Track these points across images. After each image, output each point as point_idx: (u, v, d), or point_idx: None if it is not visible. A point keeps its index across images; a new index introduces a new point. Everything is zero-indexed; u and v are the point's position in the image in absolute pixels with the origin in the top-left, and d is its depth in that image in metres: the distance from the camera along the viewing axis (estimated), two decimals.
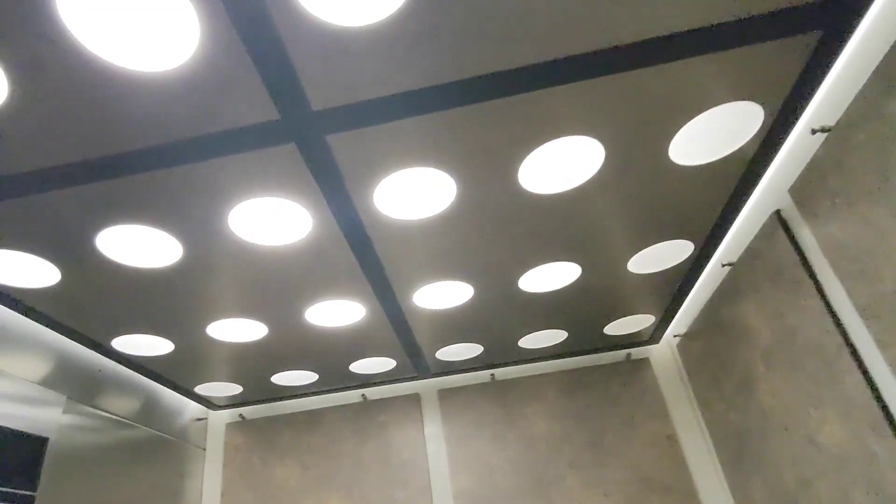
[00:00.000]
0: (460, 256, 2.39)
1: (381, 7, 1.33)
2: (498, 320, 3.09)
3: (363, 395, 3.90)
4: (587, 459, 3.51)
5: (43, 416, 2.49)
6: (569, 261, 2.55)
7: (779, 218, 2.22)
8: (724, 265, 2.70)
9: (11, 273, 2.13)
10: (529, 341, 3.46)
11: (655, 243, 2.51)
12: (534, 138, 1.79)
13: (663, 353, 3.80)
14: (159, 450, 3.38)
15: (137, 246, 2.04)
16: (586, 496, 3.40)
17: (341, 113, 1.62)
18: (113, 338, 2.72)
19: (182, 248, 2.08)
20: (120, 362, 3.04)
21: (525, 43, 1.48)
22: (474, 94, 1.61)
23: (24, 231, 1.91)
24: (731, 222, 2.48)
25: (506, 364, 3.82)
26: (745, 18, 1.50)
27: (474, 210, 2.09)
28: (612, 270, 2.70)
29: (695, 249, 2.62)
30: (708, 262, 2.81)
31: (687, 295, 3.16)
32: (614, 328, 3.44)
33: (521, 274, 2.60)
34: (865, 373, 1.93)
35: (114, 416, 3.01)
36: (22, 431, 2.34)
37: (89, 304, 2.40)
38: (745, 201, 2.35)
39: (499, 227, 2.21)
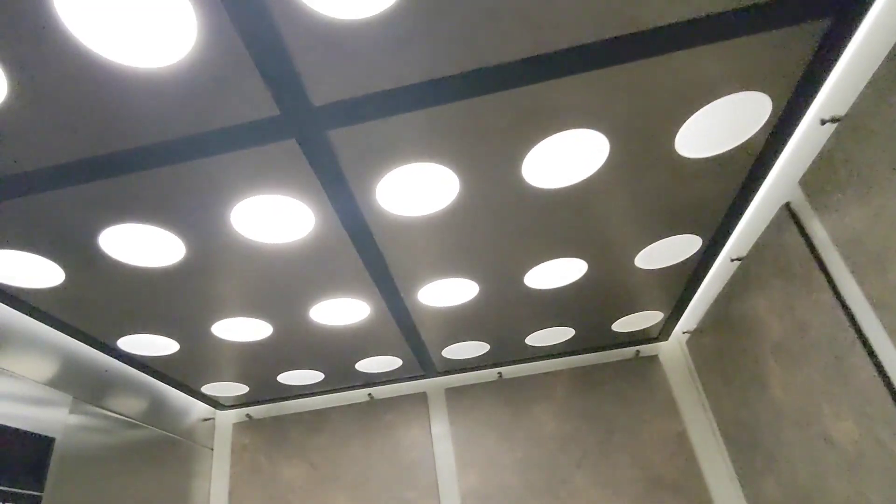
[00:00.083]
0: (464, 253, 2.37)
1: None
2: (504, 318, 3.07)
3: (370, 394, 3.89)
4: (596, 458, 3.47)
5: (49, 416, 2.49)
6: (575, 256, 2.52)
7: (789, 211, 2.19)
8: (733, 260, 2.66)
9: (16, 273, 2.14)
10: (537, 339, 3.43)
11: (663, 238, 2.48)
12: (537, 132, 1.77)
13: (673, 350, 3.76)
14: (167, 450, 3.39)
15: (140, 245, 2.04)
16: (596, 495, 3.37)
17: (342, 108, 1.60)
18: (118, 338, 2.72)
19: (184, 247, 2.08)
20: (126, 362, 3.05)
21: (527, 34, 1.45)
22: (475, 87, 1.59)
23: (26, 231, 1.91)
24: (739, 216, 2.45)
25: (513, 362, 3.80)
26: (751, 6, 1.47)
27: (478, 206, 2.07)
28: (619, 266, 2.67)
29: (703, 244, 2.59)
30: (717, 256, 2.77)
31: (696, 291, 3.12)
32: (622, 325, 3.41)
33: (527, 270, 2.58)
34: (879, 367, 1.89)
35: (120, 416, 3.02)
36: (28, 431, 2.34)
37: (94, 303, 2.40)
38: (753, 194, 2.31)
39: (503, 222, 2.19)
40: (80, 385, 2.74)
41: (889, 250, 1.73)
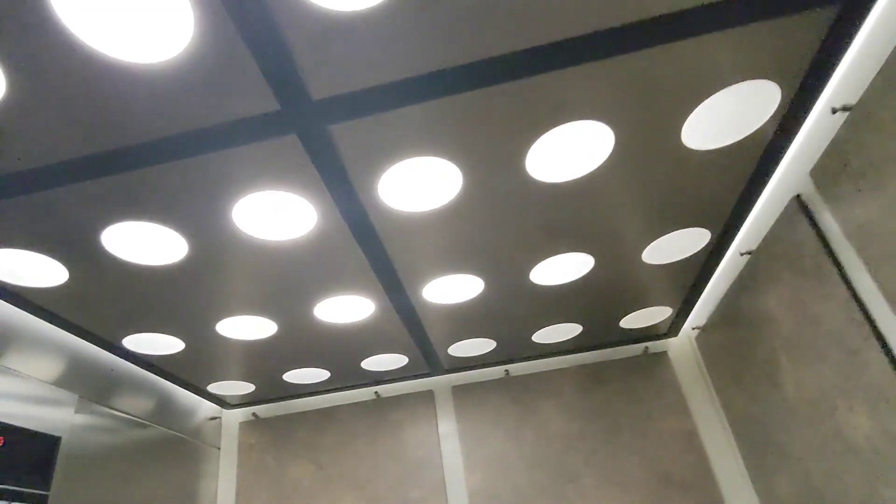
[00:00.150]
0: (469, 249, 2.35)
1: None
2: (510, 314, 3.04)
3: (376, 392, 3.87)
4: (605, 456, 3.44)
5: (55, 415, 2.49)
6: (581, 251, 2.49)
7: (799, 203, 2.14)
8: (742, 254, 2.62)
9: (20, 272, 2.14)
10: (543, 335, 3.40)
11: (670, 232, 2.44)
12: (540, 124, 1.74)
13: (682, 347, 3.72)
14: (173, 449, 3.39)
15: (143, 243, 2.03)
16: (604, 494, 3.33)
17: (342, 102, 1.58)
18: (123, 336, 2.72)
19: (187, 245, 2.07)
20: (132, 361, 3.05)
21: (528, 24, 1.42)
22: (477, 79, 1.56)
23: (29, 229, 1.91)
24: (749, 208, 2.40)
25: (520, 359, 3.77)
26: None
27: (481, 200, 2.04)
28: (625, 261, 2.63)
29: (712, 238, 2.55)
30: (726, 250, 2.73)
31: (705, 285, 3.08)
32: (630, 321, 3.37)
33: (533, 266, 2.55)
34: (894, 361, 1.85)
35: (127, 416, 3.02)
36: (34, 431, 2.34)
37: (98, 302, 2.40)
38: (763, 186, 2.27)
39: (507, 217, 2.16)
40: (85, 384, 2.74)
41: None
